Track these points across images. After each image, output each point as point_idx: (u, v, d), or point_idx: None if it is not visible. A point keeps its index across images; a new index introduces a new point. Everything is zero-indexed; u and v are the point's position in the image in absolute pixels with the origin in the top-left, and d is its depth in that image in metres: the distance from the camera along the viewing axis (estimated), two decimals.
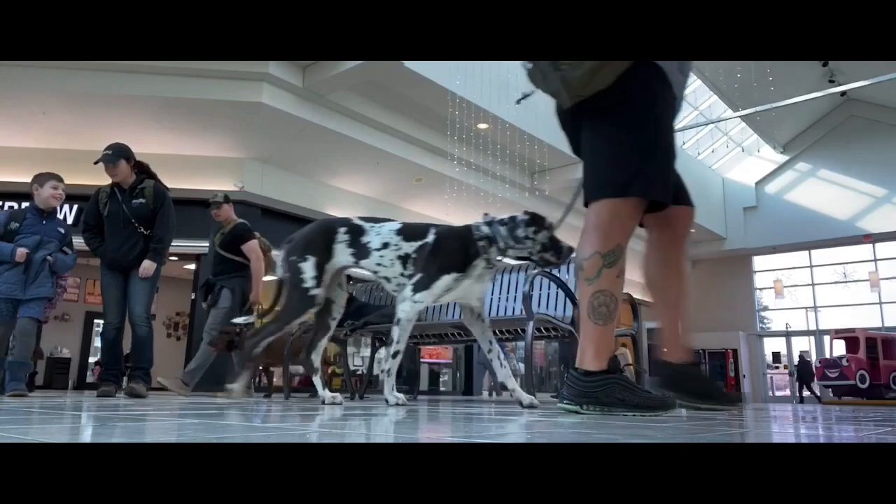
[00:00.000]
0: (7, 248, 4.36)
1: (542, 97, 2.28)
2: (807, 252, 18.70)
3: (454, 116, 9.50)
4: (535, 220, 2.89)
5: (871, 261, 17.83)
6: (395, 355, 2.89)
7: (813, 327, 18.43)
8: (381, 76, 8.74)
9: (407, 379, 6.56)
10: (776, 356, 18.98)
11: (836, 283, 18.71)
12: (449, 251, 2.93)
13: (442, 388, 13.84)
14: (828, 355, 14.09)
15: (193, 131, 8.82)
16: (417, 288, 2.87)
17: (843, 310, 18.21)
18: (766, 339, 19.72)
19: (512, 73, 10.17)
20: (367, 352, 9.35)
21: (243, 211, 9.57)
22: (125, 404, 2.94)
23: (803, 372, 15.66)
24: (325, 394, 3.05)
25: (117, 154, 4.64)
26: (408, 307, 2.85)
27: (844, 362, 13.29)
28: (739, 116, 14.70)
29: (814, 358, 16.58)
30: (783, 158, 18.75)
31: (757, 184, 18.97)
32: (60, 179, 4.62)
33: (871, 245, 17.62)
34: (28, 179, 4.72)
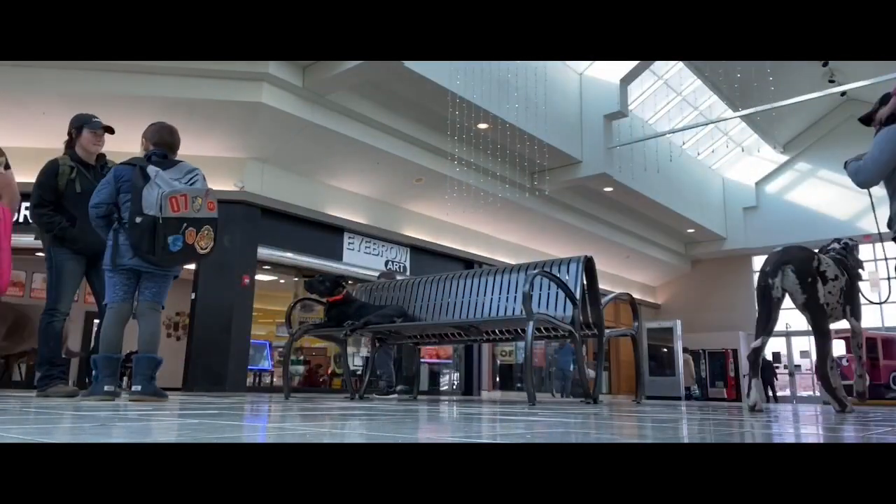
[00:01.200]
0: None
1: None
2: None
3: (454, 116, 9.49)
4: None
5: (872, 261, 17.82)
6: (861, 375, 3.98)
7: None
8: (381, 76, 8.73)
9: (407, 379, 6.56)
10: (776, 356, 18.97)
11: None
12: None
13: (442, 388, 13.82)
14: None
15: (193, 131, 8.80)
16: (858, 318, 3.93)
17: None
18: None
19: (512, 73, 10.17)
20: (367, 351, 9.33)
21: (243, 211, 9.59)
22: (123, 404, 2.94)
23: (765, 374, 15.80)
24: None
25: None
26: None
27: (844, 362, 13.27)
28: (739, 116, 14.69)
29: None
30: (783, 158, 18.74)
31: (757, 184, 18.95)
32: None
33: (871, 245, 17.62)
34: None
